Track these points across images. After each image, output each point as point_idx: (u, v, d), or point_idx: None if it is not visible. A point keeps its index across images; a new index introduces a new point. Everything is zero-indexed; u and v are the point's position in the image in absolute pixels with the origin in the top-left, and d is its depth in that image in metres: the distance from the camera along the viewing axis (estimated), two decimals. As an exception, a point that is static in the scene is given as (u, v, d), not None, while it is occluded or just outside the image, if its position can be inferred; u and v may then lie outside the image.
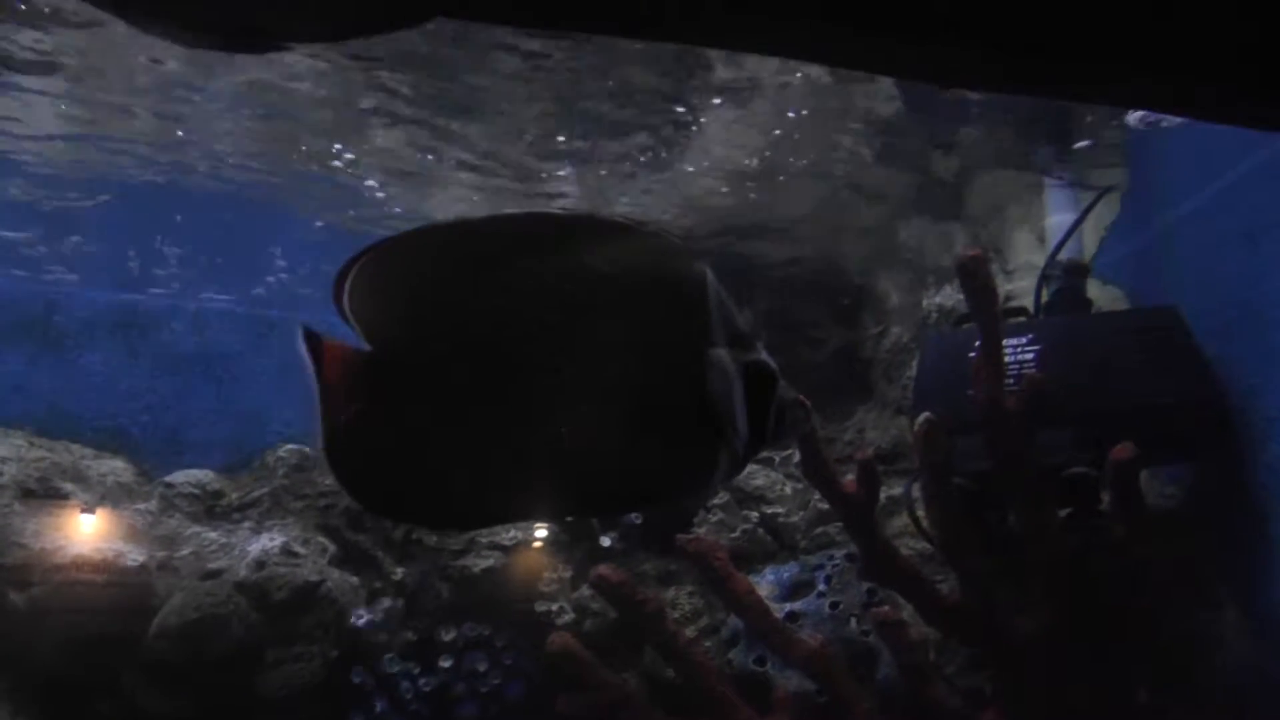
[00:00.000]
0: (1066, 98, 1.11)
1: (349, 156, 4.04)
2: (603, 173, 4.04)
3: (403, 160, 4.02)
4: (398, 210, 4.58)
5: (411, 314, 1.24)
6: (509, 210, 1.28)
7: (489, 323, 1.23)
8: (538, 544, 4.07)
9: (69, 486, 3.91)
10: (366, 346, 1.24)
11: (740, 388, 1.28)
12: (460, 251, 1.25)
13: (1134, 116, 3.30)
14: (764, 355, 1.33)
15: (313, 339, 1.20)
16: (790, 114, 3.50)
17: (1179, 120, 3.15)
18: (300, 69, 3.35)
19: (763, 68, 3.22)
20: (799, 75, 3.24)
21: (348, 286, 1.22)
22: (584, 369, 1.24)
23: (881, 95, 3.39)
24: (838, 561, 3.70)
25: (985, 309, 2.67)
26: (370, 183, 4.28)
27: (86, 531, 3.73)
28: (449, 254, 1.25)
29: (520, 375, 1.23)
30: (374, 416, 1.23)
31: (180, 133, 3.95)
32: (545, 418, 1.23)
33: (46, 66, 3.41)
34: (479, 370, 1.23)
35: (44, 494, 3.83)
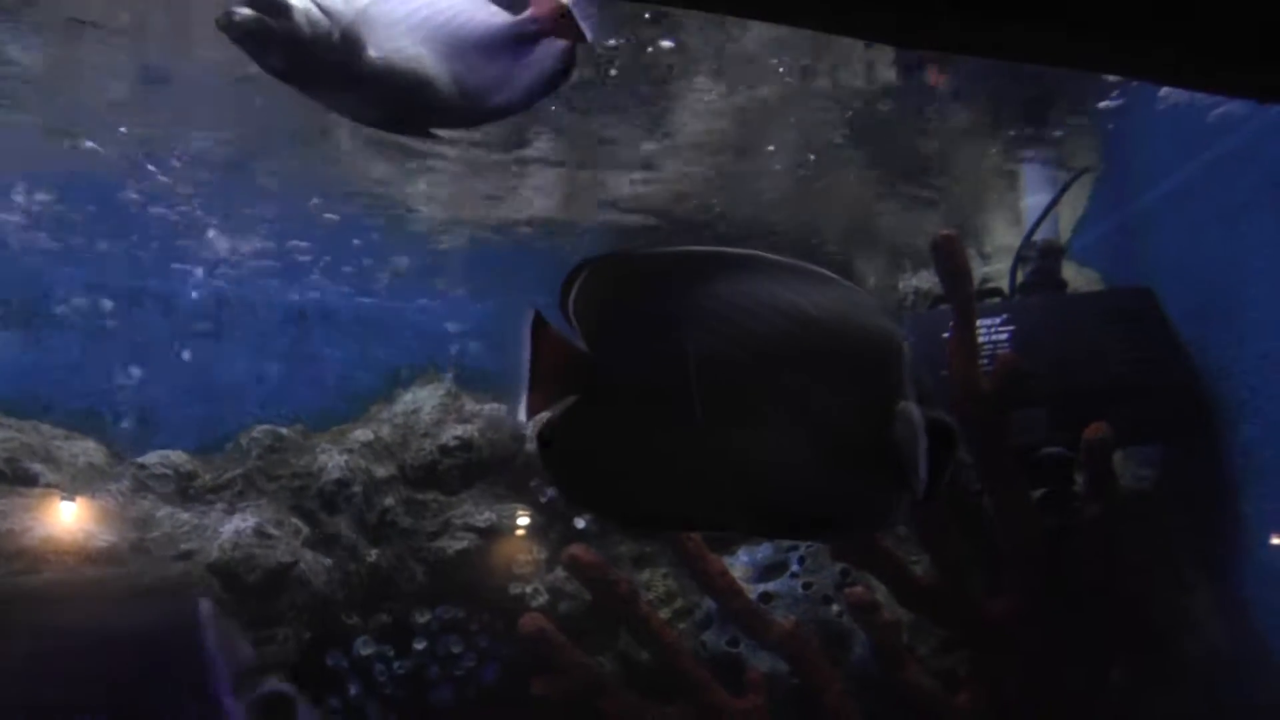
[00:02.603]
0: (1061, 65, 1.10)
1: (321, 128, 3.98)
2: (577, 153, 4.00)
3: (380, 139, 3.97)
4: (374, 187, 4.52)
5: (630, 327, 1.36)
6: (729, 247, 1.41)
7: (700, 345, 1.34)
8: (513, 526, 4.05)
9: (38, 467, 3.86)
10: (585, 348, 1.36)
11: (925, 440, 1.37)
12: (682, 277, 1.37)
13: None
14: (946, 416, 1.42)
15: (539, 325, 1.32)
16: (766, 91, 3.47)
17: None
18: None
19: (737, 42, 3.19)
20: (776, 45, 3.21)
21: (574, 291, 1.35)
22: (785, 401, 1.35)
23: (859, 73, 3.37)
24: (811, 543, 3.70)
25: (960, 289, 2.67)
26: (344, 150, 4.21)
27: (56, 513, 3.69)
28: (671, 277, 1.37)
29: (725, 396, 1.34)
30: (586, 415, 1.35)
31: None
32: (743, 439, 1.35)
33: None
34: (687, 387, 1.34)
35: (12, 475, 3.78)
